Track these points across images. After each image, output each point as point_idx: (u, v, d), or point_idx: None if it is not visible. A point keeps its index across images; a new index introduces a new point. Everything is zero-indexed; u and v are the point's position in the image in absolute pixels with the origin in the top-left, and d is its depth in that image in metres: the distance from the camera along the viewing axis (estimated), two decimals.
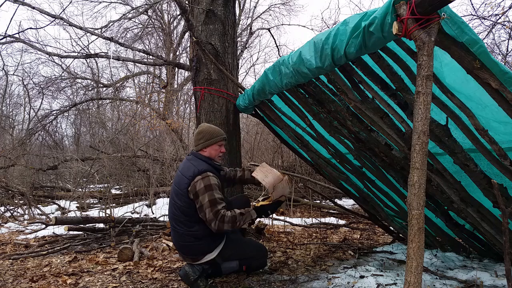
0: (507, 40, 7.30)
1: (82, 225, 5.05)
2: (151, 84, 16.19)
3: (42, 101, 15.19)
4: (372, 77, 2.33)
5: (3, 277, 3.39)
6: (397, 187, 3.33)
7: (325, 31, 2.29)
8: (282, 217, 6.15)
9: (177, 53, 15.55)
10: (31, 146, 12.65)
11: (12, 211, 7.43)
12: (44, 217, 7.10)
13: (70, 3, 10.01)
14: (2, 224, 6.58)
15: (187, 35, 13.43)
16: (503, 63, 3.47)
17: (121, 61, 12.94)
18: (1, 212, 7.30)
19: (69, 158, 10.67)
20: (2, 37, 5.95)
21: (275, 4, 17.55)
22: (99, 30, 6.67)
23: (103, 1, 13.31)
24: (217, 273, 3.03)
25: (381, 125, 2.52)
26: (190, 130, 12.98)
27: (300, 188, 8.42)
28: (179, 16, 14.03)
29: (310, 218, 6.19)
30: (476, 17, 6.70)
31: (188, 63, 5.06)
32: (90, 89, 14.86)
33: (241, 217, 2.69)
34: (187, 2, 4.40)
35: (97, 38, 6.96)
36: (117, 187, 10.71)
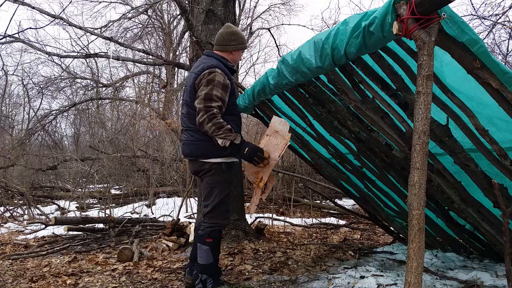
0: (507, 40, 7.30)
1: (81, 225, 5.04)
2: (151, 84, 16.16)
3: (41, 101, 15.14)
4: (372, 77, 2.32)
5: (2, 277, 3.38)
6: (397, 187, 3.33)
7: (325, 30, 2.29)
8: (282, 217, 6.15)
9: (177, 53, 15.55)
10: (31, 146, 12.62)
11: (11, 211, 7.42)
12: (43, 217, 7.09)
13: (70, 3, 10.01)
14: (1, 224, 6.57)
15: (187, 35, 13.43)
16: (503, 63, 3.48)
17: (120, 61, 12.93)
18: (1, 212, 7.29)
19: (69, 158, 10.65)
20: (2, 37, 5.94)
21: (275, 4, 17.51)
22: (99, 30, 6.67)
23: (103, 1, 13.30)
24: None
25: (382, 125, 2.52)
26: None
27: (300, 188, 8.41)
28: (179, 16, 14.02)
29: (310, 218, 6.18)
30: (476, 17, 6.70)
31: (188, 63, 5.06)
32: (89, 89, 14.84)
33: (227, 131, 2.57)
34: (187, 2, 4.39)
35: (96, 38, 6.97)
36: (117, 187, 10.70)
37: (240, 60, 2.98)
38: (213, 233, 2.72)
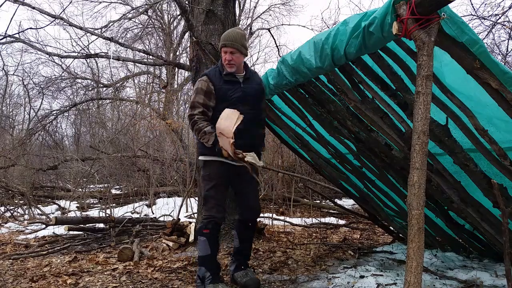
0: (507, 40, 7.30)
1: (82, 225, 5.05)
2: (151, 84, 16.17)
3: (42, 101, 15.11)
4: (372, 77, 2.33)
5: (3, 277, 3.39)
6: (397, 187, 3.33)
7: (325, 31, 2.30)
8: (282, 217, 6.16)
9: (177, 53, 15.53)
10: (31, 146, 12.61)
11: (12, 211, 7.43)
12: (44, 217, 7.10)
13: (70, 3, 9.99)
14: (2, 224, 6.58)
15: (187, 35, 13.41)
16: (503, 63, 3.48)
17: (121, 61, 12.93)
18: (1, 212, 7.30)
19: (69, 158, 10.66)
20: (2, 37, 5.95)
21: (275, 4, 17.51)
22: (99, 30, 6.66)
23: (103, 1, 13.30)
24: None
25: (381, 125, 2.52)
26: (190, 130, 12.91)
27: (300, 188, 8.41)
28: (179, 16, 14.02)
29: (310, 218, 6.19)
30: (476, 17, 6.70)
31: (188, 63, 5.06)
32: (90, 89, 14.83)
33: (203, 135, 2.73)
34: (187, 2, 4.40)
35: (97, 38, 6.95)
36: (117, 187, 10.71)
37: (225, 60, 2.77)
38: (209, 224, 2.82)
